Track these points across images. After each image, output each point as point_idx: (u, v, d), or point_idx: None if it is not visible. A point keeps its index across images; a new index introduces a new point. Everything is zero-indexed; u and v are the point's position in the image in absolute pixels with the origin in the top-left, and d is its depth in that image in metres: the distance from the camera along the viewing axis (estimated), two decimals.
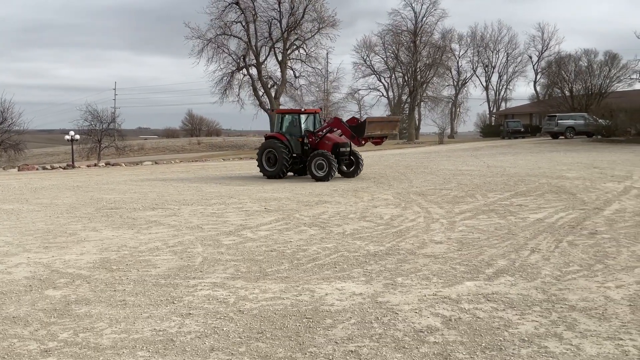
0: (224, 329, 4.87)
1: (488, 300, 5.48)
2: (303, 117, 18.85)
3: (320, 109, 20.82)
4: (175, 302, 5.62)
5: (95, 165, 30.71)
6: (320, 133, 18.16)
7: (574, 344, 4.38)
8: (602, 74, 48.54)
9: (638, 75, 57.82)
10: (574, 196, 12.19)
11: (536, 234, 8.45)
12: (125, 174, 22.94)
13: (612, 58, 50.22)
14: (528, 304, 5.32)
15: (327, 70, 59.33)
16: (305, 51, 53.08)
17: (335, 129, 18.34)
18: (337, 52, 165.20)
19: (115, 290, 6.06)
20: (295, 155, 18.39)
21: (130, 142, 56.20)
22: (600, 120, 36.91)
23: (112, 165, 30.76)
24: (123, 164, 30.94)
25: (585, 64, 49.76)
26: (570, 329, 4.69)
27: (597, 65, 49.32)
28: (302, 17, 51.16)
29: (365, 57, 68.41)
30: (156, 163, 32.76)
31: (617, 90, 50.06)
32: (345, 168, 18.20)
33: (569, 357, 4.16)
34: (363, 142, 17.41)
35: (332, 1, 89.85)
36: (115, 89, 78.36)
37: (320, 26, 51.24)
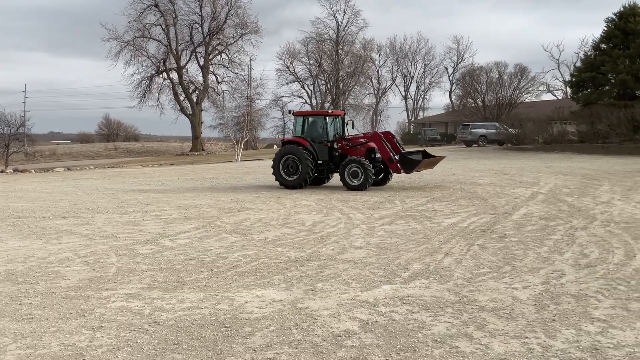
0: (138, 341, 4.71)
1: (404, 302, 5.64)
2: (329, 119, 16.77)
3: (344, 111, 18.21)
4: (85, 314, 5.37)
5: (2, 171, 28.86)
6: (354, 140, 16.38)
7: (483, 343, 4.59)
8: (512, 85, 51.44)
9: (545, 87, 61.69)
10: (486, 201, 12.79)
11: (450, 238, 8.78)
12: (35, 181, 21.73)
13: (521, 70, 53.34)
14: (441, 306, 5.52)
15: (251, 77, 59.07)
16: (228, 56, 52.71)
17: (369, 142, 16.19)
18: (263, 59, 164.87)
19: (20, 304, 5.71)
20: (320, 162, 16.34)
21: (42, 148, 53.31)
22: (510, 130, 38.94)
23: (21, 171, 29.08)
24: (33, 171, 29.32)
25: (497, 76, 52.55)
26: (480, 328, 4.91)
27: (507, 77, 52.22)
28: (225, 22, 50.79)
29: (288, 64, 68.82)
30: (69, 169, 31.28)
31: (526, 101, 53.18)
32: (374, 176, 15.87)
33: (479, 356, 4.35)
34: (402, 171, 15.63)
35: (258, 9, 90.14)
36: (25, 92, 74.28)
37: (243, 32, 51.06)
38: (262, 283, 6.40)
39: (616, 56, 34.59)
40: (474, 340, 4.65)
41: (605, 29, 36.47)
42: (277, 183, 16.54)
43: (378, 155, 15.98)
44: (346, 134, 16.96)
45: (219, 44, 52.29)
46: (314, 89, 71.22)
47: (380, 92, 77.85)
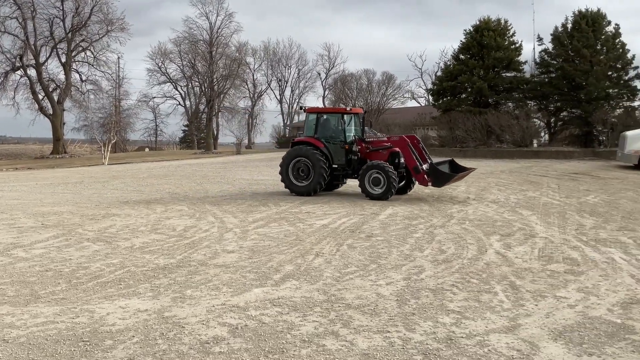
0: None
1: (274, 305, 5.67)
2: (347, 118, 14.96)
3: (363, 109, 16.09)
4: None
5: None
6: (376, 143, 14.72)
7: (348, 340, 4.74)
8: (380, 92, 54.03)
9: (410, 94, 65.49)
10: (355, 203, 13.27)
11: (321, 239, 8.99)
12: None
13: (388, 78, 56.25)
14: (310, 306, 5.63)
15: (119, 76, 56.27)
16: (93, 54, 49.79)
17: (393, 147, 14.41)
18: (136, 58, 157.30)
19: None
20: (336, 166, 14.73)
21: None
22: (378, 134, 40.77)
23: None
24: None
25: (366, 83, 54.95)
26: (346, 326, 5.07)
27: (375, 84, 54.78)
28: (89, 18, 47.91)
29: (160, 64, 66.53)
30: None
31: (393, 107, 56.16)
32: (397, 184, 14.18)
33: (344, 352, 4.48)
34: (429, 183, 13.88)
35: (130, 7, 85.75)
36: None
37: (109, 29, 48.51)
38: (126, 293, 6.10)
39: (473, 66, 37.63)
40: (340, 337, 4.79)
41: (464, 40, 39.55)
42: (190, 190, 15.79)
43: (402, 161, 14.29)
44: (366, 136, 15.43)
45: (82, 40, 49.23)
46: (187, 91, 69.55)
47: (255, 95, 77.91)
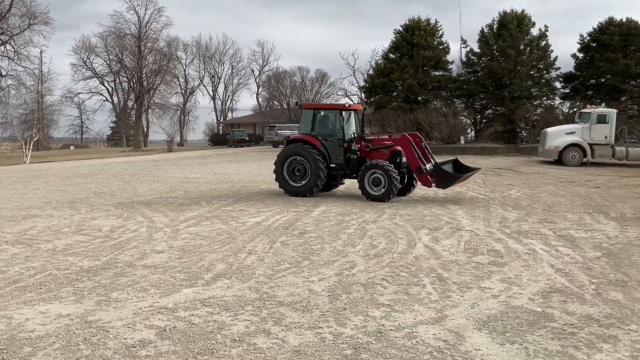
0: None
1: (204, 305, 5.56)
2: (345, 114, 14.06)
3: (362, 105, 15.15)
4: None
5: None
6: (377, 141, 13.85)
7: (279, 337, 4.72)
8: (313, 89, 54.30)
9: (343, 91, 66.21)
10: (289, 200, 13.24)
11: (254, 237, 8.91)
12: None
13: (321, 76, 56.63)
14: (241, 305, 5.56)
15: (42, 71, 53.74)
16: (14, 48, 47.25)
17: (395, 146, 13.63)
18: (60, 53, 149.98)
19: None
20: (334, 165, 13.91)
21: None
22: None
23: None
24: None
25: (299, 80, 55.10)
26: (278, 323, 5.04)
27: (309, 81, 55.03)
28: (9, 10, 45.41)
29: (85, 59, 64.02)
30: None
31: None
32: (399, 185, 13.38)
33: (275, 350, 4.46)
34: (433, 184, 13.13)
35: (56, 0, 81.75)
36: None
37: (31, 22, 46.19)
38: (47, 297, 5.82)
39: (403, 65, 38.42)
40: (271, 335, 4.76)
41: (394, 39, 40.30)
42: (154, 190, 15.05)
43: (404, 160, 13.58)
44: (366, 134, 14.63)
45: (2, 33, 46.61)
46: (115, 86, 67.33)
47: (187, 91, 76.40)
